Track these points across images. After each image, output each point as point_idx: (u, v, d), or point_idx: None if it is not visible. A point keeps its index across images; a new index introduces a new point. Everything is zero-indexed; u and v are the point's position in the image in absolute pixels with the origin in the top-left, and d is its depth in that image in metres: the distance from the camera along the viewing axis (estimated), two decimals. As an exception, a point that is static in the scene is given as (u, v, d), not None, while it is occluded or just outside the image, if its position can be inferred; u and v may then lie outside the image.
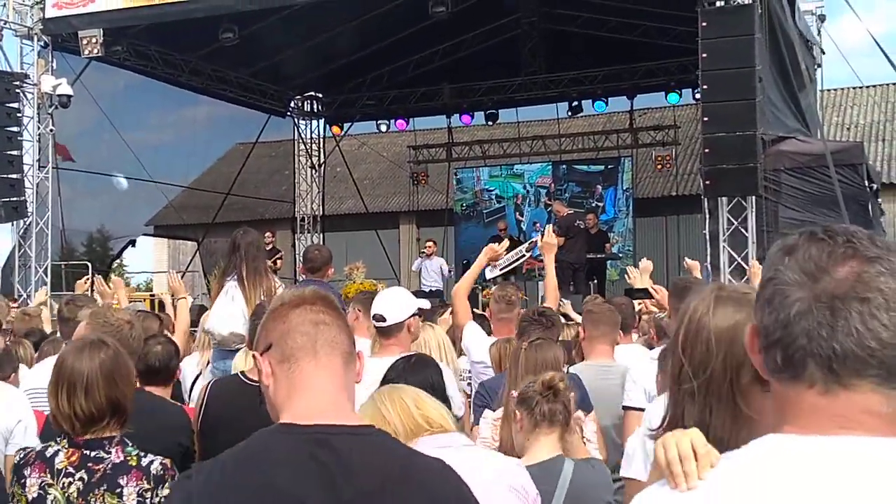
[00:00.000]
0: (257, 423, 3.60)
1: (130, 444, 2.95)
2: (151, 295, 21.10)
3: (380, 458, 1.75)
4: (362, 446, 1.76)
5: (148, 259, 28.68)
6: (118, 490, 2.85)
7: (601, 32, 17.67)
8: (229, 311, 5.72)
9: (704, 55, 11.50)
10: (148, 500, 2.87)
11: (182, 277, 21.49)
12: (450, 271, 17.82)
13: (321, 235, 22.52)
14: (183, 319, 6.29)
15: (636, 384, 4.51)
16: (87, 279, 8.64)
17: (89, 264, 16.32)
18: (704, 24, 11.51)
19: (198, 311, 12.59)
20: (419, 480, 1.76)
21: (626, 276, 7.77)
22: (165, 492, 2.89)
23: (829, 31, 16.57)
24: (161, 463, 2.94)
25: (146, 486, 2.88)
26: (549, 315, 4.62)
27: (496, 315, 5.77)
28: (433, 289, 16.85)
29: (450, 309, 7.02)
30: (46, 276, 15.29)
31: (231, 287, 5.81)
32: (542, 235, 6.11)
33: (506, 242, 6.12)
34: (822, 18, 16.39)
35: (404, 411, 2.66)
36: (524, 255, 17.35)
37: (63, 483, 2.83)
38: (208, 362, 5.92)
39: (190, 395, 5.44)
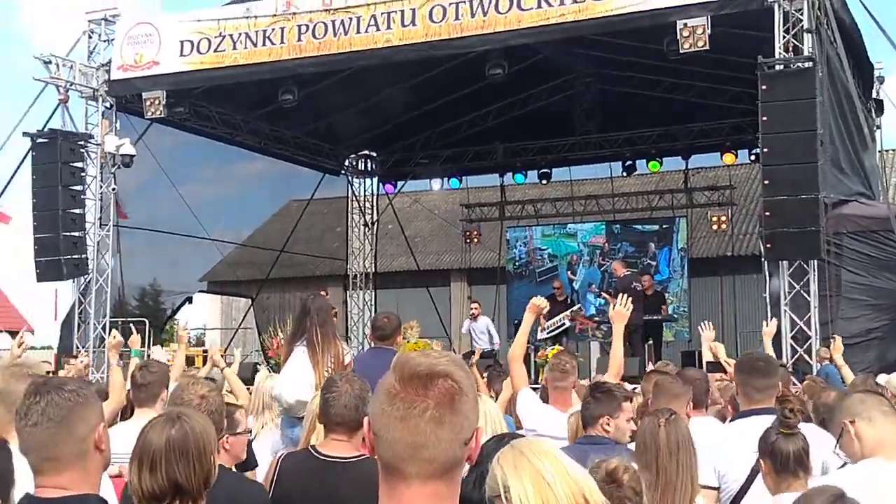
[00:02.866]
0: (327, 498, 3.57)
1: None
2: (204, 351, 21.21)
3: None
4: None
5: (201, 314, 28.96)
6: None
7: (655, 93, 17.70)
8: (297, 379, 5.72)
9: (765, 118, 11.39)
10: None
11: (235, 334, 21.51)
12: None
13: (373, 293, 22.58)
14: (238, 388, 6.33)
15: (706, 462, 4.37)
16: (114, 337, 8.60)
17: (146, 321, 16.51)
18: (764, 87, 11.41)
19: (252, 370, 12.68)
20: None
21: (701, 346, 7.58)
22: None
23: (887, 91, 16.37)
24: None
25: None
26: (612, 391, 4.50)
27: (551, 384, 5.76)
28: (485, 350, 16.75)
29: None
30: (105, 332, 15.47)
31: (300, 352, 5.84)
32: (614, 305, 6.01)
33: (544, 301, 5.96)
34: (881, 80, 16.25)
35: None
36: (565, 324, 17.23)
37: None
38: (263, 426, 5.90)
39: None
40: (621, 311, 5.86)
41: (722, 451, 4.43)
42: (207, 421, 3.07)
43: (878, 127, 16.27)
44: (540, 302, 5.82)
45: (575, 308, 17.65)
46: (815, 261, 12.07)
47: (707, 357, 7.03)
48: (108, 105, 15.52)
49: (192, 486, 2.85)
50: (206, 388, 3.87)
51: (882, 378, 6.43)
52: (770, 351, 6.64)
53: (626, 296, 6.04)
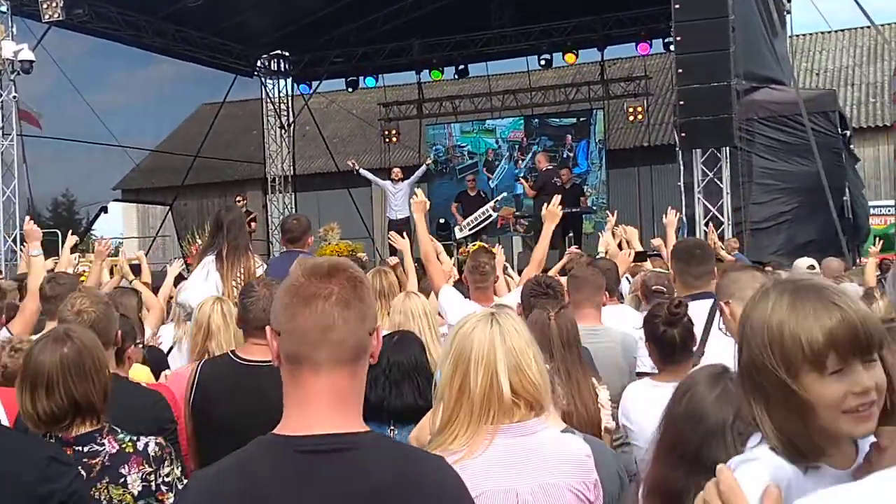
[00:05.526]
0: (249, 403, 3.58)
1: (121, 431, 2.89)
2: (128, 260, 20.81)
3: (374, 466, 1.74)
4: (355, 456, 1.74)
5: (117, 224, 28.30)
6: (121, 480, 2.80)
7: (570, -17, 17.55)
8: (203, 286, 5.68)
9: (677, 6, 11.42)
10: (153, 483, 2.85)
11: (153, 242, 21.01)
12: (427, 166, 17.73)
13: (292, 195, 22.36)
14: (151, 299, 6.22)
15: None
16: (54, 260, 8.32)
17: (58, 232, 16.08)
18: (677, -26, 11.41)
19: (176, 278, 12.48)
20: (414, 485, 1.75)
21: (604, 234, 7.74)
22: (166, 469, 2.88)
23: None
24: (156, 443, 2.90)
25: (148, 469, 2.84)
26: (555, 287, 4.57)
27: (472, 285, 5.72)
28: (401, 218, 16.59)
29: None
30: (16, 245, 15.05)
31: (208, 262, 5.80)
32: (548, 204, 5.99)
33: (422, 197, 5.93)
34: (791, -36, 16.32)
35: (487, 383, 2.35)
36: (491, 215, 17.34)
37: None
38: (184, 334, 5.85)
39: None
40: (554, 210, 5.87)
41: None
42: (94, 335, 3.01)
43: (789, 12, 16.43)
44: (421, 198, 5.78)
45: (499, 198, 17.75)
46: (728, 148, 12.31)
47: (610, 245, 7.18)
48: (2, 9, 14.76)
49: (94, 402, 2.84)
50: (86, 301, 3.77)
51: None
52: (672, 240, 6.78)
53: (558, 196, 6.04)
